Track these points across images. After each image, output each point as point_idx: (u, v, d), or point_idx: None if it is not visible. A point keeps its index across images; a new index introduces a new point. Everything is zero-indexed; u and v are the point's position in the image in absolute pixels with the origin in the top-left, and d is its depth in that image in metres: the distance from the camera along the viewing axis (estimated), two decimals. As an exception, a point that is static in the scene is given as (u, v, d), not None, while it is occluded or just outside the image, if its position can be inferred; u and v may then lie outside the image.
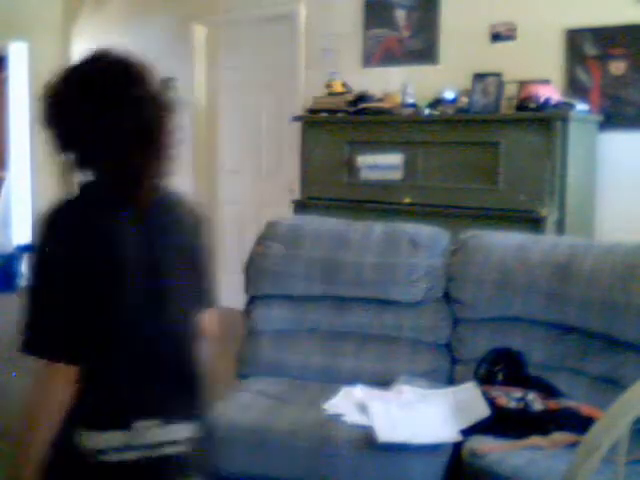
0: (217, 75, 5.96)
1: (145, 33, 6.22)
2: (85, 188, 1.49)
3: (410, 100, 4.20)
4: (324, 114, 4.45)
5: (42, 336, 1.52)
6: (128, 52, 1.61)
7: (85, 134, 1.44)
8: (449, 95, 4.10)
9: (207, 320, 1.68)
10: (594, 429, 1.35)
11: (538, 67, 4.17)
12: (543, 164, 3.65)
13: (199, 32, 5.92)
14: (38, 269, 1.43)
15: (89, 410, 1.44)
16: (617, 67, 3.98)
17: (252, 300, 2.88)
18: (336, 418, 2.28)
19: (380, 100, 4.41)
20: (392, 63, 4.79)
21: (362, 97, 4.39)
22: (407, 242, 2.73)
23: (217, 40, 5.93)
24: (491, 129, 3.82)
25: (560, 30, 4.13)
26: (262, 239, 2.90)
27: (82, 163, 1.49)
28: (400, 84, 4.38)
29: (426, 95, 4.21)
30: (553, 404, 2.23)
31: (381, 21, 4.83)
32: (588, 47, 4.05)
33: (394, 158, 4.10)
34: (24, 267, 6.89)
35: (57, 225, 1.41)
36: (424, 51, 4.65)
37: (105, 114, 1.42)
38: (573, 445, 1.97)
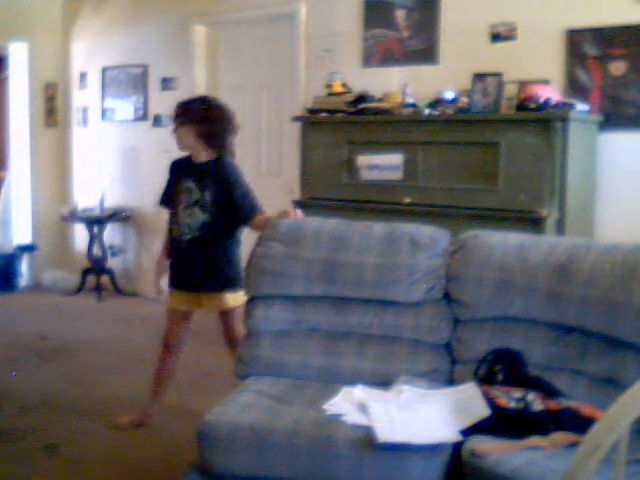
0: (217, 75, 5.97)
1: (145, 33, 6.23)
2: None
3: (410, 100, 4.20)
4: (324, 114, 4.45)
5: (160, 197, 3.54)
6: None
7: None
8: (449, 95, 4.10)
9: (258, 221, 3.13)
10: (594, 429, 1.35)
11: (538, 67, 4.17)
12: (543, 164, 3.65)
13: (199, 32, 5.93)
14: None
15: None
16: (617, 67, 3.98)
17: (252, 300, 2.88)
18: (336, 418, 2.28)
19: (380, 100, 4.42)
20: (392, 63, 4.80)
21: (362, 97, 4.39)
22: (407, 242, 2.73)
23: (217, 40, 5.93)
24: (491, 129, 3.82)
25: (560, 30, 4.14)
26: (262, 239, 2.91)
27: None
28: (400, 84, 4.38)
29: (426, 95, 4.22)
30: (553, 404, 2.23)
31: (381, 21, 4.83)
32: (588, 47, 4.06)
33: (394, 158, 4.10)
34: (24, 267, 6.90)
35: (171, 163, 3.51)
36: (424, 51, 4.65)
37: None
38: (573, 445, 1.97)
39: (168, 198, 3.45)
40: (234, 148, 3.38)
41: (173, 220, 3.36)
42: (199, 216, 3.26)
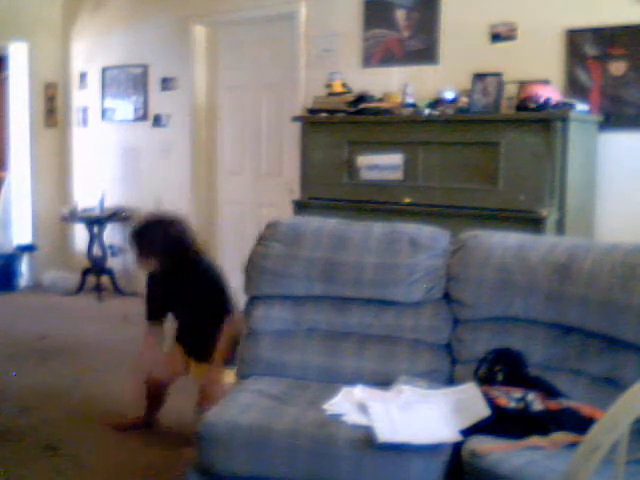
0: (217, 75, 5.97)
1: (145, 33, 6.23)
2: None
3: (410, 100, 4.20)
4: (324, 114, 4.45)
5: (146, 312, 3.46)
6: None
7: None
8: (449, 95, 4.10)
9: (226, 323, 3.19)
10: (594, 429, 1.35)
11: (538, 67, 4.17)
12: (543, 164, 3.65)
13: (199, 32, 5.93)
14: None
15: None
16: (617, 67, 3.98)
17: (252, 300, 2.88)
18: (336, 418, 2.28)
19: (380, 100, 4.41)
20: (392, 63, 4.80)
21: (362, 97, 4.39)
22: (407, 242, 2.73)
23: (217, 40, 5.93)
24: (491, 129, 3.82)
25: (560, 30, 4.14)
26: (262, 239, 2.90)
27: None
28: (400, 84, 4.38)
29: (426, 95, 4.22)
30: (553, 404, 2.24)
31: (381, 21, 4.83)
32: (588, 47, 4.06)
33: (394, 158, 4.10)
34: (24, 267, 6.89)
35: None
36: (424, 51, 4.65)
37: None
38: (573, 445, 1.97)
39: (156, 310, 3.45)
40: (198, 246, 3.39)
41: (171, 324, 3.47)
42: (188, 317, 3.36)
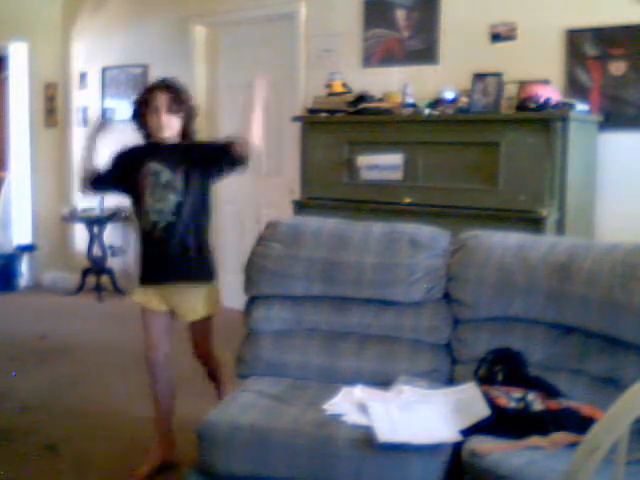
0: (217, 75, 5.97)
1: (145, 33, 6.23)
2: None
3: (410, 100, 4.20)
4: (324, 114, 4.45)
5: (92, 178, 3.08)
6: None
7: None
8: (449, 95, 4.10)
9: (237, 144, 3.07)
10: (594, 429, 1.34)
11: (538, 67, 4.17)
12: (543, 164, 3.65)
13: (199, 32, 5.93)
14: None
15: None
16: (617, 67, 3.98)
17: (252, 300, 2.88)
18: (336, 418, 2.28)
19: (380, 100, 4.42)
20: (392, 63, 4.80)
21: (362, 97, 4.39)
22: (407, 242, 2.73)
23: (217, 40, 5.93)
24: (491, 129, 3.82)
25: (560, 30, 4.14)
26: (262, 239, 2.90)
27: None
28: (400, 84, 4.38)
29: (426, 95, 4.22)
30: (553, 404, 2.24)
31: (381, 21, 4.83)
32: (588, 47, 4.06)
33: (394, 158, 4.10)
34: (24, 267, 6.90)
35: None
36: (424, 51, 4.65)
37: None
38: (573, 445, 1.97)
39: (104, 182, 3.07)
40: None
41: (138, 209, 2.98)
42: (172, 198, 2.89)
